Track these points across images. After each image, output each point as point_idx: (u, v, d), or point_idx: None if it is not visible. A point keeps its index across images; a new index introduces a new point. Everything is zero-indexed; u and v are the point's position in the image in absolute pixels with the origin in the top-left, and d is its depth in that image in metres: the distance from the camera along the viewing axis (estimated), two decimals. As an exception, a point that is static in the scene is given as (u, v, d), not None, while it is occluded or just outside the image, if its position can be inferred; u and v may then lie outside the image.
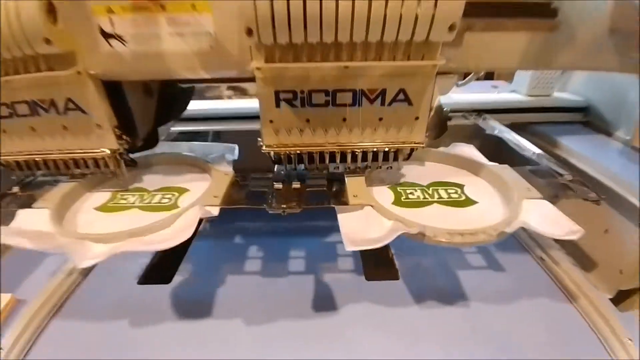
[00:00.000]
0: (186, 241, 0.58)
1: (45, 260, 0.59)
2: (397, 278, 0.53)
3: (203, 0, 0.31)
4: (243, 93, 0.74)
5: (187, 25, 0.32)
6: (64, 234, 0.38)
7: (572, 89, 0.73)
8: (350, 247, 0.34)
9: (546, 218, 0.36)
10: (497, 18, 0.34)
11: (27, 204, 0.42)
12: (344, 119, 0.36)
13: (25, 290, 0.51)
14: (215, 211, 0.39)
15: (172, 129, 0.66)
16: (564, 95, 0.72)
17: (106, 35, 0.33)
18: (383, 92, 0.35)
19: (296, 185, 0.43)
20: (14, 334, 0.42)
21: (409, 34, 0.29)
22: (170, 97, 0.47)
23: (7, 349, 0.41)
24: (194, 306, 0.50)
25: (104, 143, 0.40)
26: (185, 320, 0.47)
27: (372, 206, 0.39)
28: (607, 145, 0.61)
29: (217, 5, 0.31)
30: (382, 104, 0.36)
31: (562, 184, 0.43)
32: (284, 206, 0.39)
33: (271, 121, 0.37)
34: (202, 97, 0.73)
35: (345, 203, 0.39)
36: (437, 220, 0.38)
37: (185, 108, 0.49)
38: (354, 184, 0.42)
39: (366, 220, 0.37)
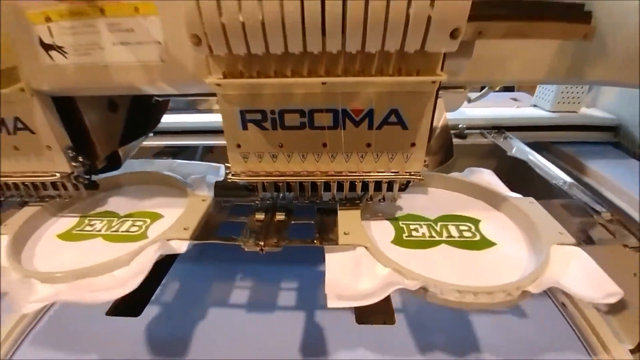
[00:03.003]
0: (162, 267, 0.53)
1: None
2: (392, 323, 0.45)
3: (147, 1, 0.25)
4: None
5: (131, 32, 0.27)
6: (16, 269, 0.33)
7: (602, 105, 0.65)
8: (333, 304, 0.27)
9: (581, 274, 0.29)
10: (516, 21, 0.28)
11: None
12: (324, 144, 0.30)
13: None
14: (182, 247, 0.34)
15: (158, 143, 0.62)
16: (592, 111, 0.64)
17: (46, 47, 0.28)
18: (370, 113, 0.29)
19: (280, 216, 0.37)
20: None
21: (398, 42, 0.23)
22: (140, 111, 0.43)
23: None
24: (166, 345, 0.45)
25: (56, 165, 0.35)
26: None
27: (366, 247, 0.32)
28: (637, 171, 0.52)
29: (164, 7, 0.25)
30: (370, 127, 0.29)
31: (599, 224, 0.35)
32: (262, 243, 0.33)
33: (238, 145, 0.31)
34: (192, 109, 0.68)
35: (334, 242, 0.33)
36: (444, 268, 0.32)
37: (156, 123, 0.44)
38: (347, 218, 0.36)
39: (357, 266, 0.31)
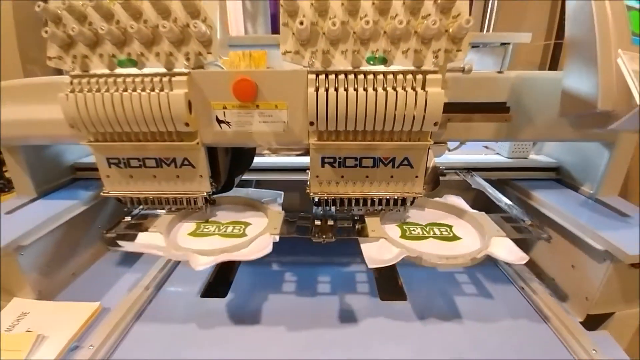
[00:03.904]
0: (235, 266, 0.74)
1: (122, 277, 0.75)
2: (405, 299, 0.66)
3: (282, 102, 0.50)
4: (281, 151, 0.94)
5: (270, 116, 0.51)
6: (177, 249, 0.54)
7: (546, 152, 0.90)
8: (371, 265, 0.49)
9: (505, 249, 0.51)
10: (466, 114, 0.53)
11: (141, 229, 0.59)
12: (367, 176, 0.54)
13: (108, 300, 0.66)
14: (277, 238, 0.56)
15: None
16: (539, 157, 0.89)
17: (219, 121, 0.52)
18: (393, 159, 0.53)
19: (330, 222, 0.60)
20: (102, 335, 0.56)
21: (409, 127, 0.48)
22: (240, 155, 0.66)
23: (97, 347, 0.54)
24: (242, 316, 0.63)
25: (202, 187, 0.58)
26: (236, 326, 0.61)
27: (385, 238, 0.55)
28: (574, 198, 0.76)
29: (291, 106, 0.50)
30: (393, 166, 0.53)
31: (523, 227, 0.58)
32: (324, 237, 0.55)
33: (317, 176, 0.54)
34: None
35: (366, 236, 0.55)
36: (431, 250, 0.53)
37: (250, 164, 0.68)
38: (371, 222, 0.59)
39: (381, 247, 0.53)
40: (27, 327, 0.59)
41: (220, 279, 0.73)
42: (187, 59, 0.49)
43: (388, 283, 0.71)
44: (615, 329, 0.63)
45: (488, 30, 1.47)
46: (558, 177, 0.86)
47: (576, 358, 0.53)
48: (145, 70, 0.50)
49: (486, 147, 1.08)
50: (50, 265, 0.71)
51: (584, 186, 0.79)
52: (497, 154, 0.91)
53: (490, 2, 1.47)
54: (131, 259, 0.82)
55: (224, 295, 0.68)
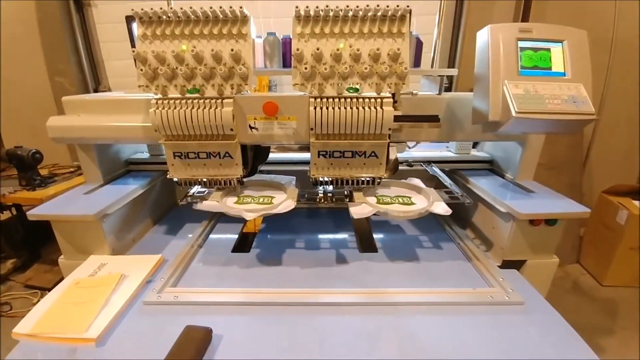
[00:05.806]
0: (252, 236, 1.02)
1: (170, 242, 1.02)
2: (376, 251, 0.95)
3: (293, 116, 0.79)
4: (285, 149, 1.22)
5: (285, 124, 0.79)
6: (232, 209, 0.82)
7: (484, 149, 1.21)
8: (355, 216, 0.78)
9: (439, 208, 0.80)
10: (412, 122, 0.82)
11: (201, 200, 0.86)
12: (348, 164, 0.83)
13: (166, 253, 0.93)
14: (295, 203, 0.84)
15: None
16: (478, 153, 1.19)
17: (251, 127, 0.80)
18: (365, 152, 0.82)
19: (329, 195, 0.88)
20: (167, 273, 0.84)
21: (373, 130, 0.76)
22: (259, 151, 0.94)
23: (166, 279, 0.82)
24: (261, 264, 0.91)
25: (237, 172, 0.86)
26: (256, 269, 0.89)
27: (365, 203, 0.83)
28: (497, 181, 1.06)
29: (299, 118, 0.79)
30: (365, 157, 0.82)
31: (456, 197, 0.88)
32: (326, 202, 0.84)
33: (315, 164, 0.83)
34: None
35: (353, 201, 0.84)
36: (396, 209, 0.82)
37: (267, 157, 0.96)
38: (357, 194, 0.87)
39: (362, 207, 0.82)
40: (107, 272, 0.86)
41: (245, 242, 1.01)
42: (232, 88, 0.77)
43: (366, 242, 1.00)
44: (529, 273, 0.91)
45: (455, 57, 1.83)
46: (492, 167, 1.16)
47: (487, 283, 0.82)
48: (205, 95, 0.78)
49: (447, 147, 1.38)
50: (120, 231, 0.97)
51: (508, 173, 1.09)
52: (449, 150, 1.21)
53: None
54: (174, 230, 1.10)
55: (248, 251, 0.96)
